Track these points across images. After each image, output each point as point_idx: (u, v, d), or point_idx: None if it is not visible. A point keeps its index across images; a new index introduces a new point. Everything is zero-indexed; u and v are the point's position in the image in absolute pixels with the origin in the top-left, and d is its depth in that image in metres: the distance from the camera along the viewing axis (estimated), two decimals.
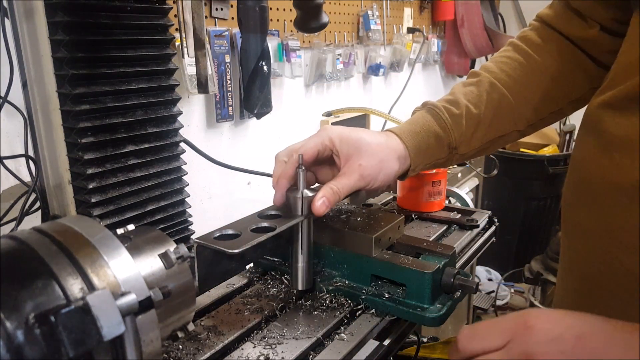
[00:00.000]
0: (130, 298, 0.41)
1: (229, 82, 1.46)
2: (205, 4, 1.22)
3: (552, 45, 0.80)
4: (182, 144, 0.93)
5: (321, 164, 0.79)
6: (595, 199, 0.65)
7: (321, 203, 0.70)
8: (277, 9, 1.62)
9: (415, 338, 1.28)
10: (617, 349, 0.43)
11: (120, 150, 0.81)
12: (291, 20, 1.60)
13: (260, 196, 1.63)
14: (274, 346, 0.68)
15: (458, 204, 1.41)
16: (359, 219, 0.85)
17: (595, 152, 0.65)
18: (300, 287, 0.80)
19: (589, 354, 0.44)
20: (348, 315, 0.77)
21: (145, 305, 0.43)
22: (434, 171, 1.05)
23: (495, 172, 1.55)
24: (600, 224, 0.64)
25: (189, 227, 0.96)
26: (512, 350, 0.47)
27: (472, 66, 2.91)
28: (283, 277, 0.86)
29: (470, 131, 0.80)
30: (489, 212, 1.09)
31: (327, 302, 0.79)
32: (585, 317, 0.47)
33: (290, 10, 1.65)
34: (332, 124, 1.94)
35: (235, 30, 1.45)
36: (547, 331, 0.45)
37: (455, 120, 0.79)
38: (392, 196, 1.18)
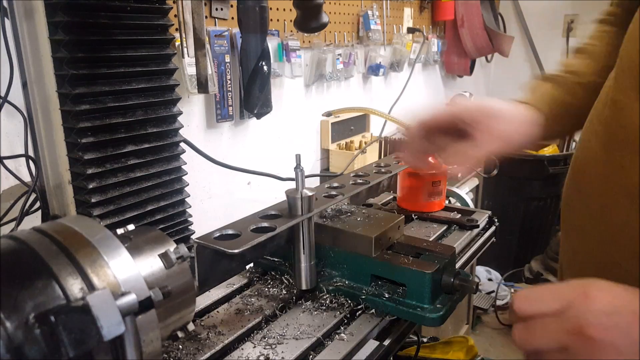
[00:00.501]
0: (130, 298, 0.40)
1: (229, 82, 1.46)
2: (205, 4, 1.22)
3: None
4: (182, 144, 0.93)
5: (450, 134, 0.76)
6: (595, 199, 0.65)
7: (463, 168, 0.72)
8: (277, 9, 1.62)
9: (415, 338, 1.28)
10: None
11: (120, 150, 0.81)
12: (291, 20, 1.60)
13: (260, 196, 1.63)
14: (274, 346, 0.68)
15: (458, 204, 1.41)
16: (359, 219, 0.85)
17: (597, 151, 0.65)
18: (304, 287, 0.80)
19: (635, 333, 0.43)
20: (348, 315, 0.77)
21: (145, 305, 0.43)
22: (434, 171, 1.05)
23: (495, 172, 1.55)
24: (600, 225, 0.64)
25: (189, 227, 0.96)
26: (568, 318, 0.46)
27: (472, 66, 2.91)
28: (283, 277, 0.86)
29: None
30: (489, 212, 1.09)
31: (327, 302, 0.79)
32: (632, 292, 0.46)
33: (290, 10, 1.65)
34: (332, 124, 1.95)
35: (235, 30, 1.45)
36: (606, 303, 0.45)
37: (578, 91, 0.77)
38: (392, 196, 1.18)
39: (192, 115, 1.41)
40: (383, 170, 1.00)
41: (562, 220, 0.75)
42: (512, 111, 0.74)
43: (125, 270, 0.45)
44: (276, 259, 0.89)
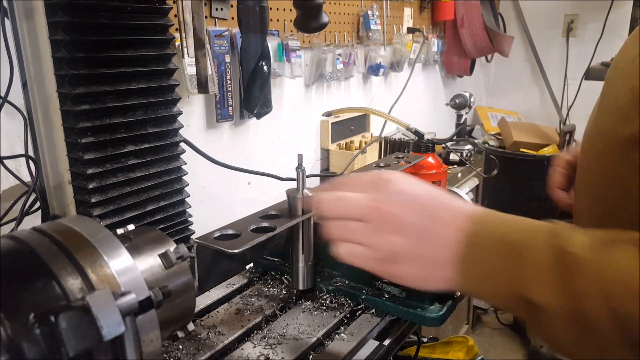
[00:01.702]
0: (130, 298, 0.40)
1: (229, 82, 1.46)
2: (205, 4, 1.22)
3: None
4: (182, 144, 0.93)
5: None
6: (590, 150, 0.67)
7: None
8: (277, 9, 1.62)
9: (415, 338, 1.28)
10: (444, 208, 0.55)
11: (120, 150, 0.81)
12: (291, 20, 1.60)
13: (260, 196, 1.63)
14: (274, 346, 0.68)
15: None
16: None
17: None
18: (300, 287, 0.80)
19: (426, 209, 0.55)
20: (348, 315, 0.77)
21: (145, 305, 0.43)
22: (434, 171, 1.05)
23: (495, 172, 1.55)
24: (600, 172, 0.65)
25: (189, 227, 0.96)
26: (370, 196, 0.57)
27: (472, 66, 2.91)
28: (283, 277, 0.86)
29: None
30: None
31: (327, 302, 0.79)
32: (424, 182, 0.59)
33: (290, 10, 1.65)
34: (332, 124, 1.95)
35: (235, 30, 1.45)
36: (397, 186, 0.57)
37: None
38: None
39: (192, 115, 1.41)
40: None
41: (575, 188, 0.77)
42: None
43: (125, 270, 0.45)
44: (276, 259, 0.89)
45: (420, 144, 1.17)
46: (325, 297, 0.80)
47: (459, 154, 1.94)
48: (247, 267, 0.90)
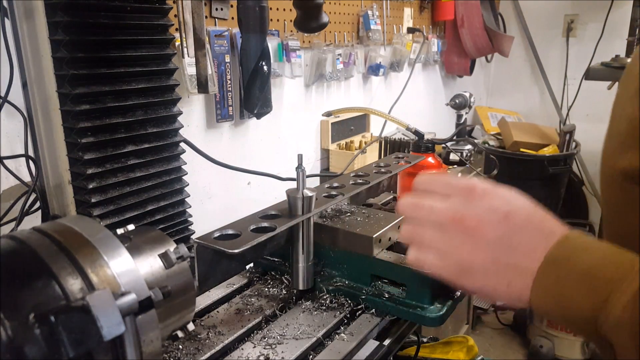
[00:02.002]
0: (130, 298, 0.40)
1: (229, 82, 1.46)
2: (205, 4, 1.22)
3: None
4: (182, 144, 0.93)
5: None
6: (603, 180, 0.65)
7: None
8: (277, 9, 1.62)
9: (415, 338, 1.28)
10: (530, 230, 0.52)
11: (120, 150, 0.81)
12: (291, 20, 1.60)
13: (260, 196, 1.63)
14: (274, 346, 0.68)
15: None
16: (359, 219, 0.85)
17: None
18: (301, 287, 0.80)
19: (510, 229, 0.51)
20: (348, 315, 0.77)
21: (145, 305, 0.43)
22: (434, 171, 1.05)
23: (495, 172, 1.55)
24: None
25: (189, 227, 0.96)
26: (453, 202, 0.54)
27: (472, 66, 2.91)
28: (283, 277, 0.86)
29: None
30: None
31: (327, 302, 0.79)
32: (519, 197, 0.55)
33: (290, 10, 1.65)
34: (332, 124, 1.95)
35: (235, 30, 1.45)
36: (487, 201, 0.53)
37: None
38: (392, 196, 1.18)
39: (192, 115, 1.41)
40: (383, 170, 1.00)
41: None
42: None
43: (125, 270, 0.45)
44: (276, 259, 0.89)
45: (420, 144, 1.17)
46: (325, 297, 0.80)
47: (459, 154, 1.94)
48: (247, 267, 0.90)
